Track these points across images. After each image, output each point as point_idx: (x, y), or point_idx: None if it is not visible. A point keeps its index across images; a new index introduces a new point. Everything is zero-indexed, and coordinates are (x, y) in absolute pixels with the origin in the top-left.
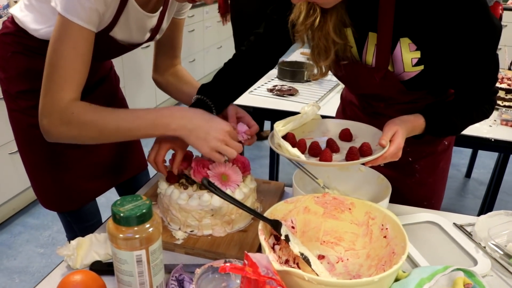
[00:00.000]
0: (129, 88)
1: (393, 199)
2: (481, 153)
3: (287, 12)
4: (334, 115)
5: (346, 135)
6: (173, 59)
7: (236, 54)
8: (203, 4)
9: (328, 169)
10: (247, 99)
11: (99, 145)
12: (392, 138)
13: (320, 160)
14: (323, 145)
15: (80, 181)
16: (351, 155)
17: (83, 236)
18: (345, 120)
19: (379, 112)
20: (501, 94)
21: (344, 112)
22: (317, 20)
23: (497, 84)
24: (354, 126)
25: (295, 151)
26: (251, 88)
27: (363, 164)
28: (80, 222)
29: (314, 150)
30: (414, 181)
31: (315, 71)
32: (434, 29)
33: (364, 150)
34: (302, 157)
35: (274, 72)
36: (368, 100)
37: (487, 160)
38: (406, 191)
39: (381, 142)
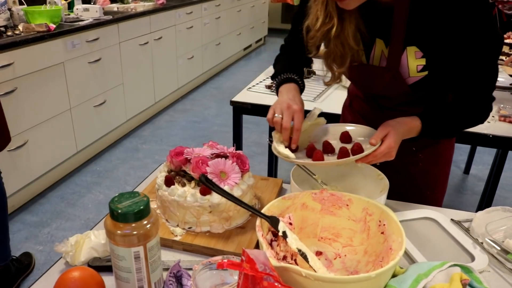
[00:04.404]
0: (128, 84)
1: (397, 189)
2: (479, 149)
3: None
4: (333, 110)
5: (345, 137)
6: None
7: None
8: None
9: (327, 167)
10: (245, 95)
11: None
12: (384, 138)
13: (312, 160)
14: (320, 147)
15: None
16: (342, 154)
17: None
18: (344, 124)
19: (383, 106)
20: (505, 49)
21: (351, 105)
22: (335, 27)
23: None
24: (353, 129)
25: (286, 151)
26: (249, 85)
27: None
28: None
29: (310, 152)
30: (418, 170)
31: (328, 77)
32: (442, 38)
33: (355, 150)
34: (292, 156)
35: (272, 69)
36: (374, 97)
37: (485, 156)
38: (410, 180)
39: (371, 141)
